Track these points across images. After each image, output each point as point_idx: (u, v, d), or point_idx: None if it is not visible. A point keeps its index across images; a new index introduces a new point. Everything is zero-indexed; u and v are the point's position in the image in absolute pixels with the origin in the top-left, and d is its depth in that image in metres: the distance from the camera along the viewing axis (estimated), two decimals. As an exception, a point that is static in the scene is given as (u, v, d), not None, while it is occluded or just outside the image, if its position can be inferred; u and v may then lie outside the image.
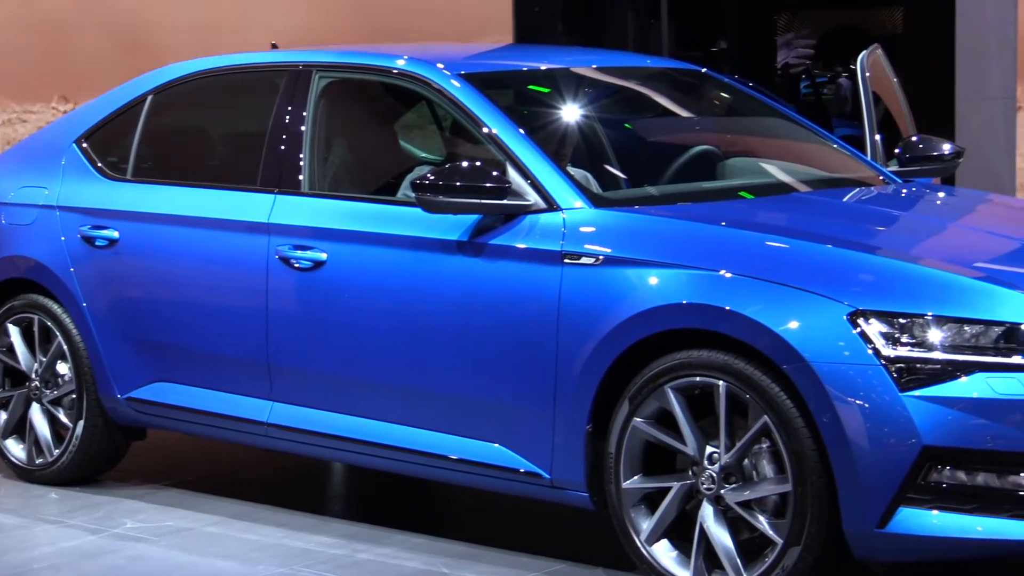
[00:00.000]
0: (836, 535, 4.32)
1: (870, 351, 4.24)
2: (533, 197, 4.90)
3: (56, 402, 6.03)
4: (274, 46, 6.23)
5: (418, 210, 4.97)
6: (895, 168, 5.82)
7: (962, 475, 4.20)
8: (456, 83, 5.25)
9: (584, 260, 4.73)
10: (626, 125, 5.78)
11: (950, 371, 4.21)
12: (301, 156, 5.48)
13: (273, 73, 5.78)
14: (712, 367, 4.46)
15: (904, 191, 5.52)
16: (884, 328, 4.26)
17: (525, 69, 5.73)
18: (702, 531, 4.52)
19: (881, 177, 5.64)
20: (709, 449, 4.52)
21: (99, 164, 6.06)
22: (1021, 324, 4.24)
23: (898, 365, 4.22)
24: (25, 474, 6.12)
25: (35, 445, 6.07)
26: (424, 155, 5.90)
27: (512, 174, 4.94)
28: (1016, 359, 4.21)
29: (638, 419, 4.61)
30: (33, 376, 6.08)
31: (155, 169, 6.01)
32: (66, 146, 6.15)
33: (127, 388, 5.84)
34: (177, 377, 5.73)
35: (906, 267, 4.47)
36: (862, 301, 4.31)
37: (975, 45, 10.08)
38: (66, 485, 6.04)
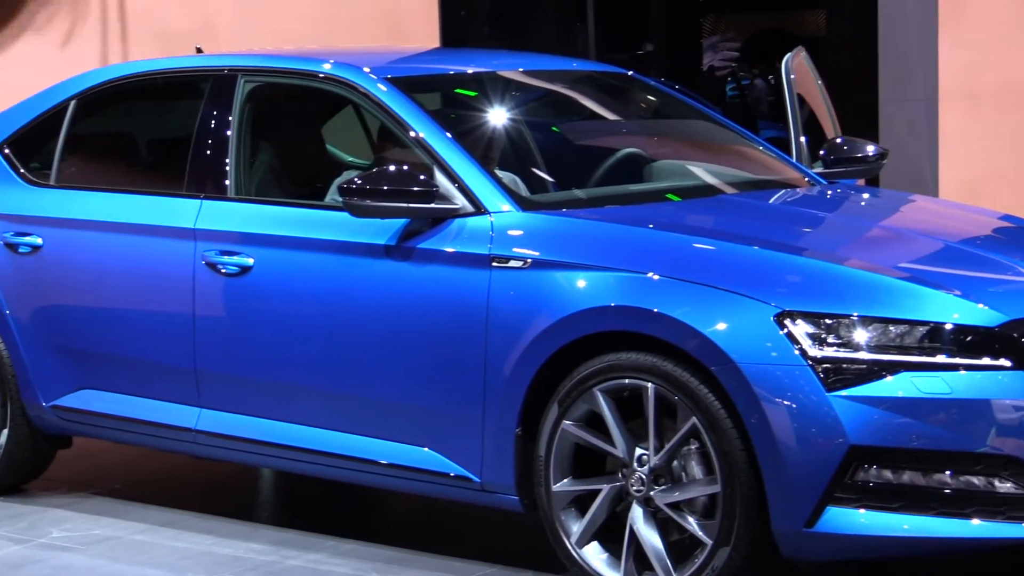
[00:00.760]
0: (765, 535, 4.34)
1: (797, 352, 4.27)
2: (461, 201, 4.90)
3: (-20, 411, 5.97)
4: (199, 50, 6.19)
5: (345, 214, 4.96)
6: (820, 170, 5.86)
7: (888, 474, 4.24)
8: (382, 87, 5.24)
9: (512, 263, 4.74)
10: (553, 128, 5.79)
11: (876, 371, 4.24)
12: (227, 161, 5.45)
13: (198, 77, 5.74)
14: (641, 369, 4.47)
15: (829, 192, 5.57)
16: (811, 329, 4.29)
17: (452, 73, 5.73)
18: (632, 533, 4.53)
19: (806, 179, 5.68)
20: (638, 451, 4.54)
21: (21, 170, 6.00)
22: (945, 324, 4.28)
23: (825, 365, 4.25)
24: (-52, 484, 6.05)
25: (-42, 455, 6.00)
26: (351, 159, 5.88)
27: (439, 178, 4.94)
28: (940, 358, 4.26)
29: (567, 422, 4.62)
30: (-44, 385, 6.00)
31: (79, 175, 5.95)
32: (-13, 152, 6.09)
33: (52, 396, 5.78)
34: (103, 384, 5.67)
35: (832, 268, 4.50)
36: (789, 302, 4.34)
37: (897, 47, 10.18)
38: (-10, 495, 5.99)
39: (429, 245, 4.89)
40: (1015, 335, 4.29)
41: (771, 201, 5.34)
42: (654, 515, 4.52)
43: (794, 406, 4.24)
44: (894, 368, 4.24)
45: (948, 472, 4.23)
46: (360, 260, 5.02)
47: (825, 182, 5.71)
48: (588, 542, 4.62)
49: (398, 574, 4.99)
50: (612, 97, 6.12)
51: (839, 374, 4.24)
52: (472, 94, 5.61)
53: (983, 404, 4.22)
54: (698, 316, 4.37)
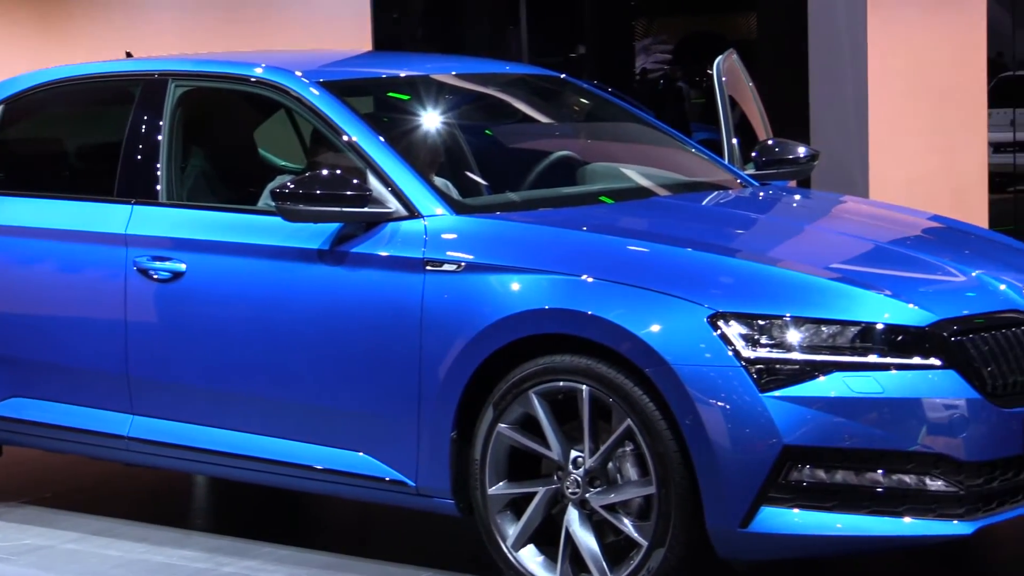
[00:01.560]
0: (700, 535, 4.36)
1: (730, 353, 4.29)
2: (394, 205, 4.89)
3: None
4: (128, 55, 6.14)
5: (278, 219, 4.93)
6: (752, 171, 5.89)
7: (821, 473, 4.27)
8: (315, 91, 5.22)
9: (446, 267, 4.73)
10: (486, 132, 5.80)
11: (808, 371, 4.27)
12: (158, 166, 5.41)
13: (128, 82, 5.70)
14: (575, 372, 4.48)
15: (761, 194, 5.60)
16: (744, 330, 4.31)
17: (384, 76, 5.72)
18: (568, 535, 4.54)
19: (738, 180, 5.72)
20: (574, 453, 4.54)
21: (-51, 176, 5.94)
22: (876, 324, 4.32)
23: (758, 366, 4.28)
24: None
25: None
26: (284, 164, 5.86)
27: (373, 182, 4.92)
28: (872, 358, 4.29)
29: (503, 425, 4.61)
30: None
31: (9, 181, 5.90)
32: (-86, 158, 6.01)
33: (-18, 405, 5.71)
34: (34, 392, 5.62)
35: (764, 269, 4.53)
36: (722, 304, 4.36)
37: (828, 50, 10.26)
38: (-81, 505, 5.91)
39: (363, 249, 4.88)
40: (945, 334, 4.33)
41: (704, 203, 5.37)
42: (590, 517, 4.53)
43: (728, 407, 4.26)
44: (826, 368, 4.27)
45: (880, 471, 4.27)
46: (293, 265, 5.00)
47: (757, 184, 5.75)
48: (524, 545, 4.62)
49: (334, 580, 4.99)
50: (545, 100, 6.13)
51: (772, 375, 4.27)
52: (405, 98, 5.60)
53: (914, 403, 4.25)
54: (632, 318, 4.38)
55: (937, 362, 4.30)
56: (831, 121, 10.21)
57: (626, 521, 4.47)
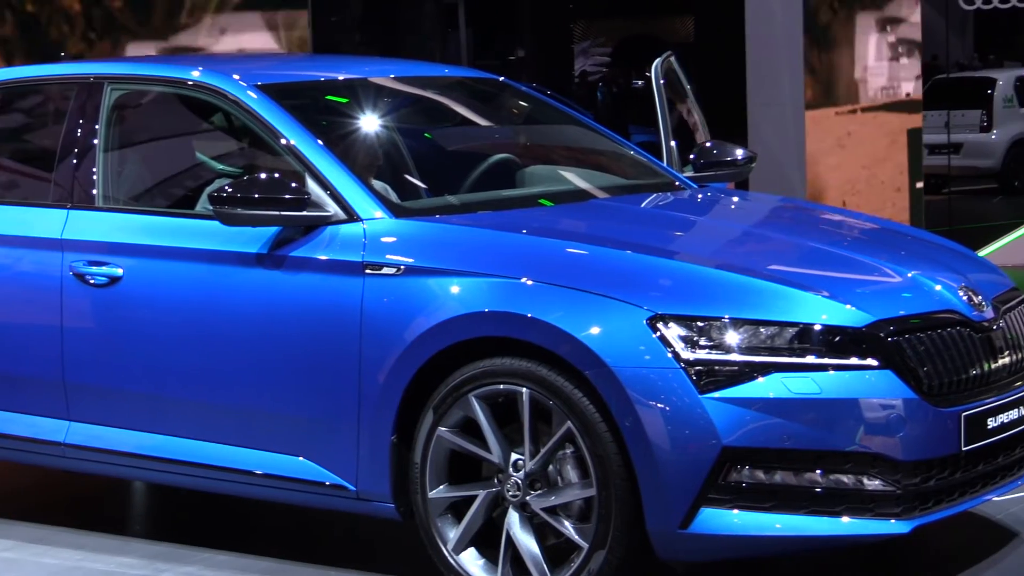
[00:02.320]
0: (640, 537, 4.37)
1: (669, 355, 4.30)
2: (333, 208, 4.88)
3: None
4: (63, 57, 6.09)
5: (216, 223, 4.91)
6: (690, 173, 5.92)
7: (760, 474, 4.29)
8: (253, 94, 5.20)
9: (386, 270, 4.72)
10: (425, 135, 5.79)
11: (747, 372, 4.29)
12: (94, 170, 5.38)
13: (63, 85, 5.66)
14: (515, 375, 4.48)
15: (700, 196, 5.62)
16: (683, 332, 4.33)
17: (323, 80, 5.70)
18: (508, 538, 4.54)
19: (677, 182, 5.74)
20: (514, 456, 4.54)
21: None
22: (814, 325, 4.34)
23: (697, 368, 4.29)
24: None
25: None
26: (222, 167, 5.82)
27: (311, 185, 4.91)
28: (810, 359, 4.32)
29: (443, 428, 4.61)
30: None
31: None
32: None
33: (-84, 412, 5.64)
34: (-31, 399, 5.55)
35: (703, 271, 4.55)
36: (661, 305, 4.37)
37: (764, 52, 10.32)
38: None
39: (302, 253, 4.86)
40: (881, 335, 4.36)
41: (643, 205, 5.38)
42: (530, 520, 4.53)
43: (667, 409, 4.27)
44: (765, 369, 4.29)
45: (818, 471, 4.29)
46: (232, 269, 4.98)
47: (695, 186, 5.77)
48: (465, 548, 4.62)
49: (274, 585, 4.96)
50: (484, 103, 6.13)
51: (711, 376, 4.29)
52: (343, 101, 5.59)
53: (851, 403, 4.29)
54: (571, 321, 4.39)
55: (874, 362, 4.33)
56: (768, 123, 10.28)
57: (567, 523, 4.48)
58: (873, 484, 4.30)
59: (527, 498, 4.51)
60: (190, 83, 5.38)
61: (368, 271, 4.75)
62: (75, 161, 5.42)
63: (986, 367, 4.56)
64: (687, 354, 4.30)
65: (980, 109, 18.38)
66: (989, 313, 4.66)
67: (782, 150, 10.17)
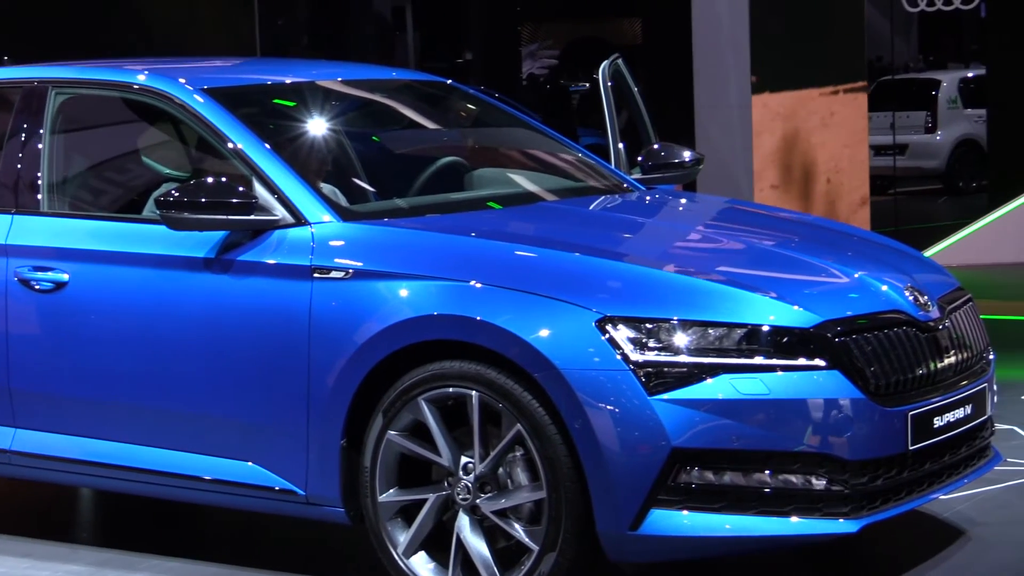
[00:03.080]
0: (591, 539, 4.38)
1: (619, 356, 4.31)
2: (281, 212, 4.86)
3: None
4: (4, 60, 6.04)
5: (163, 228, 4.88)
6: (638, 175, 5.93)
7: (710, 475, 4.31)
8: (199, 98, 5.18)
9: (334, 274, 4.71)
10: (373, 138, 5.78)
11: (696, 374, 4.31)
12: (39, 175, 5.34)
13: (6, 89, 5.61)
14: (465, 378, 4.48)
15: (648, 198, 5.64)
16: (632, 333, 4.34)
17: (270, 83, 5.68)
18: (459, 541, 4.54)
19: (625, 185, 5.75)
20: (464, 459, 4.54)
21: None
22: (762, 326, 4.36)
23: (646, 369, 4.30)
24: None
25: None
26: (169, 172, 5.79)
27: (259, 189, 4.89)
28: (758, 360, 4.34)
29: (392, 432, 4.60)
30: None
31: None
32: None
33: None
34: (-88, 407, 5.50)
35: (651, 273, 4.56)
36: (610, 308, 4.38)
37: (711, 55, 10.36)
38: None
39: (249, 257, 4.84)
40: (829, 335, 4.39)
41: (591, 208, 5.39)
42: (480, 523, 4.53)
43: (617, 410, 4.28)
44: (714, 370, 4.31)
45: (767, 471, 4.31)
46: (179, 273, 4.96)
47: (643, 188, 5.79)
48: (415, 552, 4.61)
49: (224, 591, 4.94)
50: (432, 106, 6.13)
51: (660, 378, 4.30)
52: (291, 104, 5.57)
53: (799, 404, 4.31)
54: (520, 323, 4.39)
55: (821, 363, 4.36)
56: (715, 125, 10.32)
57: (517, 526, 4.48)
58: (821, 484, 4.32)
59: (477, 501, 4.51)
60: (136, 87, 5.35)
61: (316, 275, 4.73)
62: (19, 166, 5.38)
63: (932, 366, 4.60)
64: (636, 356, 4.31)
65: (925, 110, 18.52)
66: (935, 313, 4.69)
67: (729, 151, 10.21)
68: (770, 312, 4.40)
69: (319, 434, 4.70)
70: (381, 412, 4.61)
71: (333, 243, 4.77)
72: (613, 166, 6.14)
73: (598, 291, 4.45)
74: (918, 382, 4.54)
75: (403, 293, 4.59)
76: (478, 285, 4.51)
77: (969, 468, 4.80)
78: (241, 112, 5.16)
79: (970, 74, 19.07)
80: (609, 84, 6.66)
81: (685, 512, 4.30)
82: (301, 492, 4.77)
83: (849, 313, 4.50)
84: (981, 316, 5.06)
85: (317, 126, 5.42)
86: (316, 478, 4.73)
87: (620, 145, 6.43)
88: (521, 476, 4.48)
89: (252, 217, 4.81)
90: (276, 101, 5.61)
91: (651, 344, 4.33)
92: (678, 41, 11.24)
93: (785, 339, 4.36)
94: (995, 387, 4.98)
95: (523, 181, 5.64)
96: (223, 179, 4.83)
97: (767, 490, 4.31)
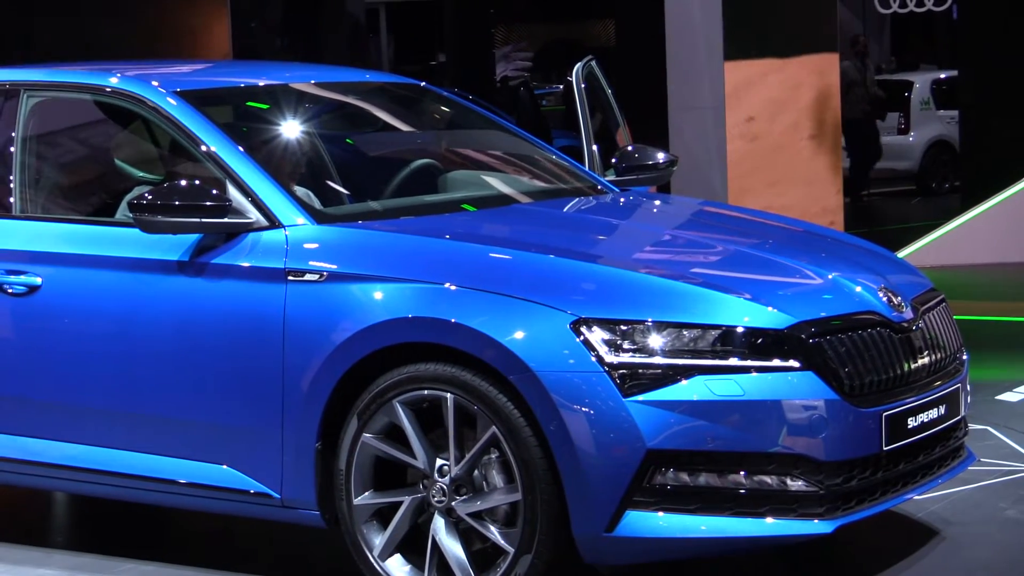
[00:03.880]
0: (567, 541, 4.38)
1: (593, 358, 4.32)
2: (254, 215, 4.85)
3: None
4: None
5: (136, 231, 4.87)
6: (612, 177, 5.94)
7: (685, 476, 4.31)
8: (172, 101, 5.16)
9: (308, 277, 4.70)
10: (347, 140, 5.77)
11: (671, 375, 4.31)
12: (11, 178, 5.32)
13: (-22, 92, 5.58)
14: (440, 380, 4.48)
15: (622, 200, 5.64)
16: (606, 335, 4.34)
17: (243, 86, 5.67)
18: (434, 544, 4.53)
19: (599, 187, 5.76)
20: (439, 462, 4.54)
21: None
22: (736, 327, 4.37)
23: (621, 371, 4.31)
24: None
25: None
26: (142, 175, 5.77)
27: (232, 192, 4.88)
28: (732, 361, 4.34)
29: (367, 435, 4.60)
30: None
31: None
32: None
33: None
34: None
35: (626, 275, 4.56)
36: (584, 309, 4.38)
37: (685, 57, 10.38)
38: None
39: (223, 260, 4.83)
40: (803, 336, 4.40)
41: (565, 210, 5.40)
42: (456, 525, 4.53)
43: (592, 412, 4.29)
44: (688, 372, 4.32)
45: (742, 472, 4.32)
46: (153, 277, 4.94)
47: (617, 190, 5.79)
48: (391, 555, 4.61)
49: (199, 595, 4.93)
50: (406, 108, 6.12)
51: (635, 379, 4.30)
52: (264, 107, 5.56)
53: (774, 405, 4.32)
54: (495, 325, 4.39)
55: (796, 364, 4.37)
56: (689, 127, 10.33)
57: (492, 528, 4.48)
58: (796, 485, 4.33)
59: (452, 503, 4.51)
60: (108, 90, 5.34)
61: (291, 278, 4.73)
62: (-8, 169, 5.36)
63: (906, 367, 4.61)
64: (611, 358, 4.31)
65: (898, 112, 18.59)
66: (908, 314, 4.71)
67: (703, 153, 10.23)
68: (744, 313, 4.41)
69: (294, 437, 4.69)
70: (356, 415, 4.60)
71: (307, 246, 4.77)
72: (587, 168, 6.14)
73: (572, 293, 4.45)
74: (892, 383, 4.56)
75: (377, 296, 4.59)
76: (453, 287, 4.51)
77: (943, 468, 4.82)
78: (214, 115, 5.15)
79: (942, 75, 19.14)
80: (583, 86, 6.66)
81: (660, 513, 4.31)
82: (276, 495, 4.76)
83: (823, 314, 4.51)
84: (955, 316, 5.08)
85: (291, 129, 5.41)
86: (291, 481, 4.72)
87: (594, 147, 6.44)
88: (496, 478, 4.48)
89: (226, 220, 4.80)
90: (249, 104, 5.60)
91: (626, 346, 4.33)
92: (652, 43, 11.26)
93: (759, 340, 4.37)
94: (969, 387, 5.00)
95: (497, 183, 5.64)
96: (196, 182, 4.82)
97: (742, 491, 4.31)
